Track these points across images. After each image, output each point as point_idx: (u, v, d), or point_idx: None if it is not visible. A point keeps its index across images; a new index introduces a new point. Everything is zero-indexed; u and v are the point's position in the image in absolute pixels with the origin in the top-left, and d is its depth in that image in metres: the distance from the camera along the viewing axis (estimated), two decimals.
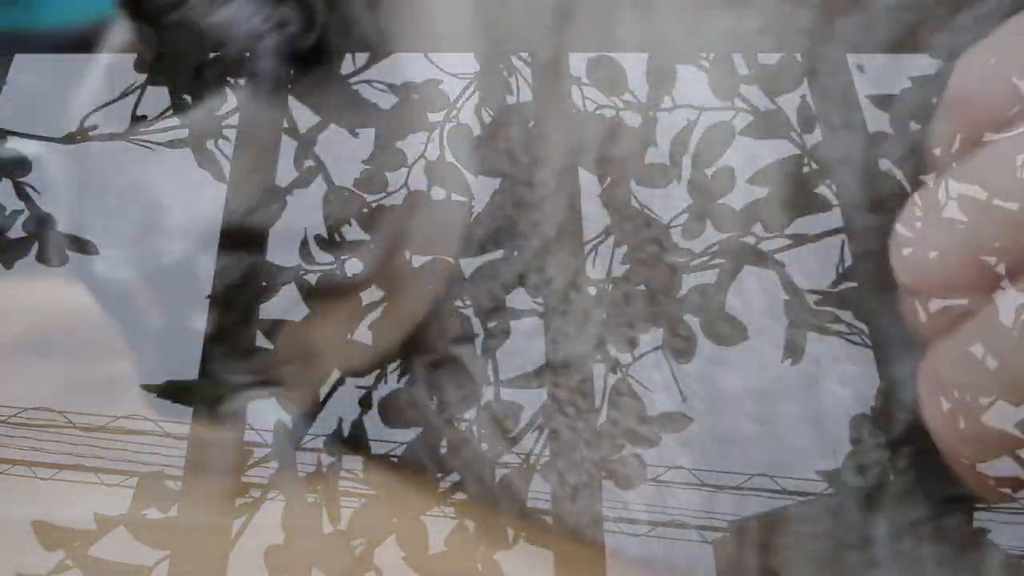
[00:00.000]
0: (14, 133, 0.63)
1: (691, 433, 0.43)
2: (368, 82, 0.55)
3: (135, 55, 0.57)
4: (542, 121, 0.47)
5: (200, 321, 0.56)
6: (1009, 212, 0.41)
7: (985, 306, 0.39)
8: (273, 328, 0.56)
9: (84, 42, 0.64)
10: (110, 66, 0.66)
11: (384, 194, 0.56)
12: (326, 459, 0.52)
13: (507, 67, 0.54)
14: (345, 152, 0.56)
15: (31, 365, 0.56)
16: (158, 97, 0.64)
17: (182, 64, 0.62)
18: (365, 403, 0.54)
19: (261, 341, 0.57)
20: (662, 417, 0.44)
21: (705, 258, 0.44)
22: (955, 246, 0.40)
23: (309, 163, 0.57)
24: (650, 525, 0.45)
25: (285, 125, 0.57)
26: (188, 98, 0.64)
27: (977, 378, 0.39)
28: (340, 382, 0.55)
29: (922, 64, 0.46)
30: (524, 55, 0.54)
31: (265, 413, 0.54)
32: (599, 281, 0.46)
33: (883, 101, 0.45)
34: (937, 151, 0.43)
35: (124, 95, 0.64)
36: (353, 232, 0.57)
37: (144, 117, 0.63)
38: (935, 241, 0.41)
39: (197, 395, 0.54)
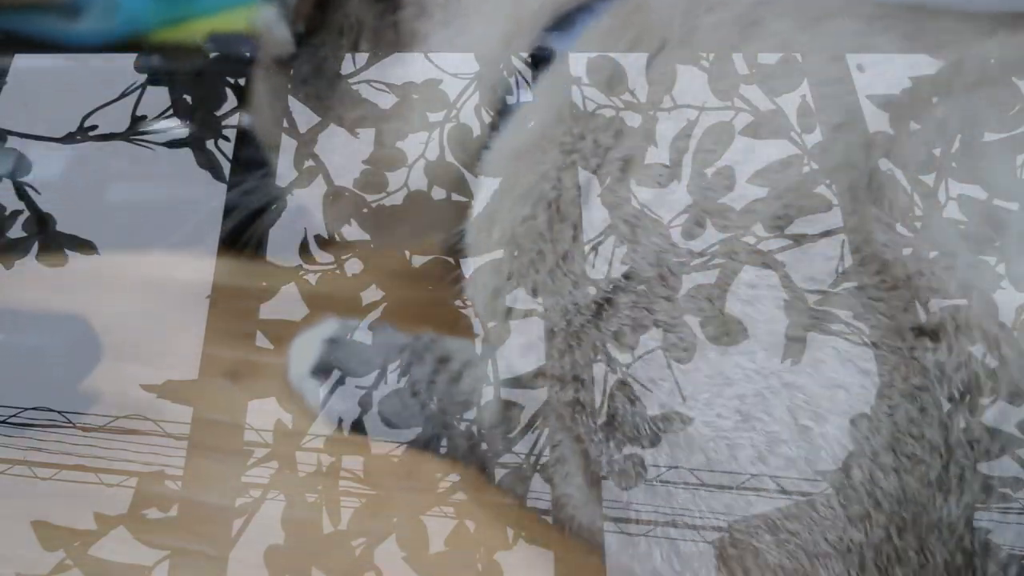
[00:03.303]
0: (14, 133, 0.63)
1: (691, 433, 0.43)
2: (368, 82, 0.55)
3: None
4: None
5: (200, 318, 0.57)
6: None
7: None
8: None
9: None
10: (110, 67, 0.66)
11: (384, 194, 0.56)
12: (326, 459, 0.52)
13: (507, 67, 0.54)
14: (345, 152, 0.56)
15: None
16: (158, 97, 0.65)
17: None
18: (365, 403, 0.54)
19: (262, 341, 0.57)
20: (662, 417, 0.43)
21: (705, 258, 0.44)
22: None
23: (309, 163, 0.57)
24: (650, 525, 0.45)
25: (285, 125, 0.57)
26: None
27: None
28: (340, 382, 0.55)
29: (922, 64, 0.46)
30: (524, 55, 0.54)
31: (265, 413, 0.54)
32: (599, 281, 0.46)
33: (883, 101, 0.45)
34: (937, 151, 0.43)
35: (124, 95, 0.64)
36: (353, 232, 0.57)
37: (144, 117, 0.63)
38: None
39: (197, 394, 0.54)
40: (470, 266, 0.52)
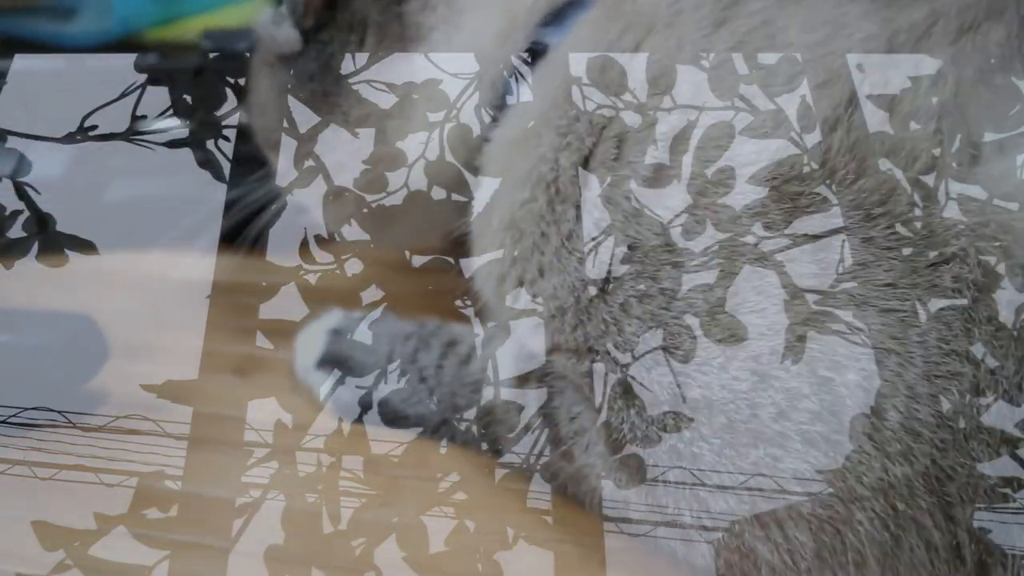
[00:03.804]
0: (14, 133, 0.63)
1: (691, 433, 0.43)
2: (368, 82, 0.55)
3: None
4: None
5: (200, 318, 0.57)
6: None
7: None
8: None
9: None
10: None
11: (384, 194, 0.56)
12: (326, 459, 0.52)
13: (505, 63, 0.54)
14: (345, 152, 0.56)
15: None
16: (158, 97, 0.65)
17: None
18: (365, 403, 0.54)
19: (261, 341, 0.57)
20: (662, 417, 0.43)
21: (705, 258, 0.44)
22: None
23: (309, 163, 0.57)
24: (650, 525, 0.45)
25: (285, 125, 0.57)
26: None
27: None
28: (340, 382, 0.55)
29: (922, 64, 0.46)
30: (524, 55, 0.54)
31: (265, 412, 0.54)
32: (599, 281, 0.46)
33: (883, 101, 0.45)
34: (937, 151, 0.43)
35: (124, 95, 0.64)
36: (353, 232, 0.57)
37: (144, 117, 0.63)
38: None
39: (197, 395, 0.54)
40: (472, 263, 0.53)
